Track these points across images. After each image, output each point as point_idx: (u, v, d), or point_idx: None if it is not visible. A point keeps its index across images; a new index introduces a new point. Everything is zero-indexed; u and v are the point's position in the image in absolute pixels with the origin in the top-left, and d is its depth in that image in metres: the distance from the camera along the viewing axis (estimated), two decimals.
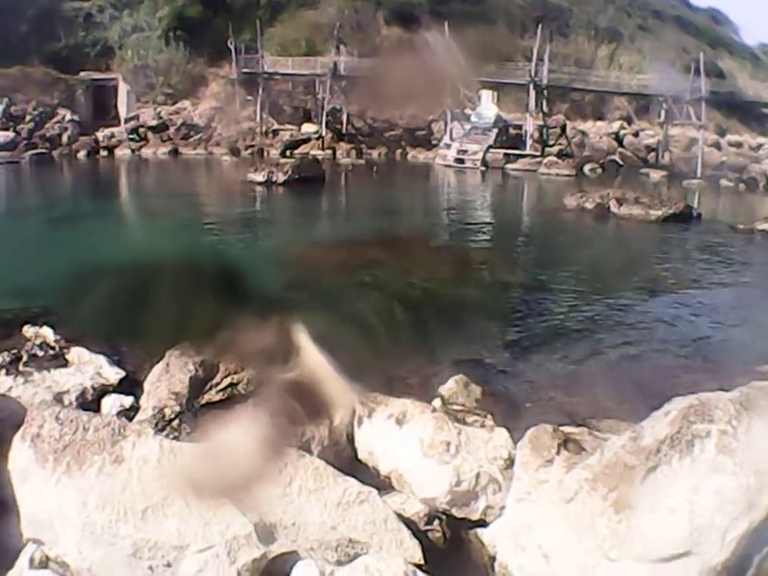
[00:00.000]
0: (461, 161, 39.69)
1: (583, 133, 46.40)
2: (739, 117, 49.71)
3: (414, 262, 15.61)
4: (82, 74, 45.78)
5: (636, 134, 47.41)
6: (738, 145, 47.58)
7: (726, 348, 11.20)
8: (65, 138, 43.01)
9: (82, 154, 41.62)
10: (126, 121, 44.55)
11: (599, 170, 41.71)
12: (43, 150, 41.41)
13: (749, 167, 43.85)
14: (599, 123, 47.96)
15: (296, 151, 40.60)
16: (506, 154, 40.65)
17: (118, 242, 17.40)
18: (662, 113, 44.48)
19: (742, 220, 24.89)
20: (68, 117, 43.74)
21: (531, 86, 41.58)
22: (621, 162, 44.37)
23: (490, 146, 40.52)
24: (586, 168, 41.48)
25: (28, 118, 43.23)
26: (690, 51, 52.07)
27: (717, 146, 46.80)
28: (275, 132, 42.75)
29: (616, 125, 47.73)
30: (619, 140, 46.84)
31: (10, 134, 41.69)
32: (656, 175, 41.28)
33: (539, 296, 13.73)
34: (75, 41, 47.61)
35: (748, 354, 10.53)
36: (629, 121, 48.45)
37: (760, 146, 47.07)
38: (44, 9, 48.06)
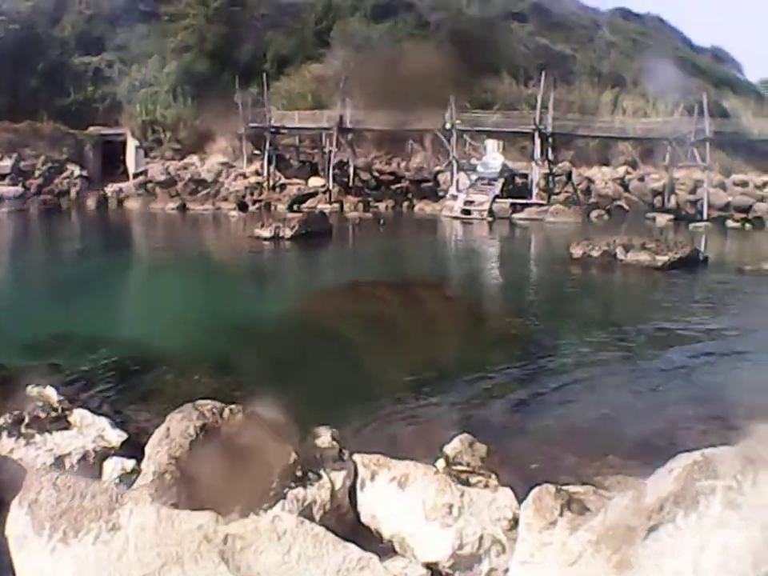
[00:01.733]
0: (468, 212, 39.61)
1: (589, 179, 46.38)
2: (744, 156, 49.67)
3: (420, 317, 15.59)
4: (91, 128, 46.23)
5: (641, 179, 47.22)
6: (744, 184, 47.46)
7: (736, 398, 11.09)
8: (73, 193, 43.52)
9: (91, 206, 42.04)
10: (135, 176, 45.00)
11: (606, 216, 41.82)
12: (52, 206, 41.90)
13: (755, 206, 44.05)
14: (604, 169, 47.91)
15: (303, 205, 40.72)
16: (512, 204, 40.56)
17: (126, 305, 17.67)
18: (667, 156, 44.62)
19: (750, 261, 24.83)
20: (77, 172, 44.23)
21: (536, 134, 41.75)
22: (627, 208, 44.43)
23: (497, 196, 40.45)
24: (593, 215, 41.62)
25: (37, 173, 43.77)
26: (693, 92, 52.23)
27: (722, 186, 46.64)
28: (282, 186, 42.97)
29: (621, 170, 47.67)
30: (625, 185, 46.73)
31: (20, 189, 42.37)
32: (662, 219, 41.30)
33: (545, 350, 13.59)
34: (84, 96, 48.11)
35: (759, 401, 10.45)
36: (634, 165, 48.37)
37: (765, 184, 47.02)
38: (53, 63, 48.68)
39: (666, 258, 23.60)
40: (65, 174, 44.28)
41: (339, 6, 51.45)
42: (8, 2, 49.76)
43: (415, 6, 52.47)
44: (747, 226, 40.57)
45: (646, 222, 40.89)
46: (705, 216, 41.31)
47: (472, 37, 44.12)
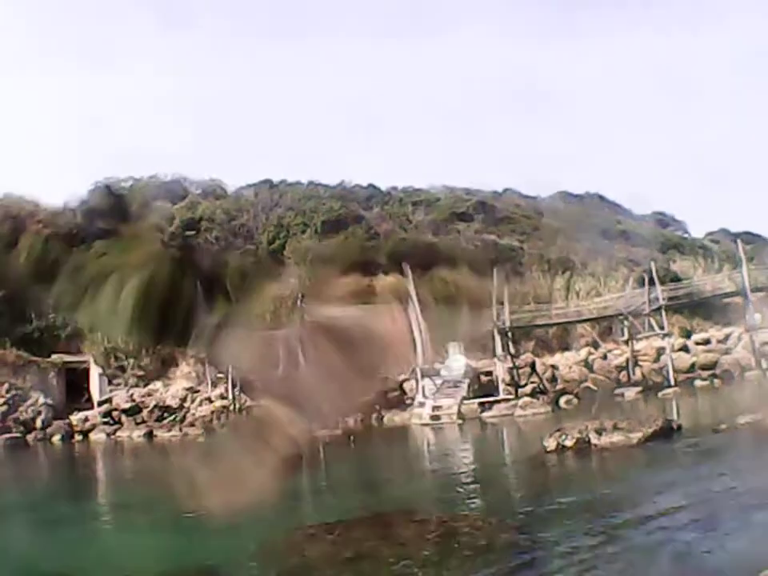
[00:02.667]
0: (437, 417, 39.55)
1: (553, 366, 46.96)
2: (702, 314, 50.71)
3: (397, 544, 15.20)
4: (54, 356, 46.26)
5: (604, 357, 48.01)
6: (706, 342, 48.25)
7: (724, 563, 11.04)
8: (39, 422, 43.09)
9: (56, 439, 41.52)
10: (100, 404, 44.80)
11: (575, 400, 42.05)
12: (17, 434, 41.24)
13: (720, 361, 44.62)
14: (567, 354, 48.66)
15: None
16: (480, 403, 40.79)
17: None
18: (625, 330, 45.43)
19: (723, 418, 25.18)
20: (41, 400, 43.91)
21: (495, 331, 42.47)
22: (595, 388, 44.73)
23: (464, 398, 40.67)
24: (562, 401, 41.84)
25: (1, 400, 43.33)
26: (640, 262, 53.79)
27: (685, 348, 47.44)
28: (249, 408, 42.65)
29: (583, 352, 48.41)
30: (589, 366, 47.37)
31: None
32: (631, 393, 41.88)
33: (532, 558, 13.30)
34: (46, 322, 48.26)
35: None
36: (595, 345, 49.17)
37: (727, 336, 47.75)
38: (13, 290, 49.08)
39: (639, 435, 23.69)
40: (29, 402, 43.98)
41: (290, 225, 53.08)
42: None
43: (364, 217, 54.33)
44: (716, 381, 41.04)
45: (615, 398, 41.23)
46: (672, 382, 41.91)
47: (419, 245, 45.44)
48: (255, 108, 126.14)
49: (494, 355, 42.95)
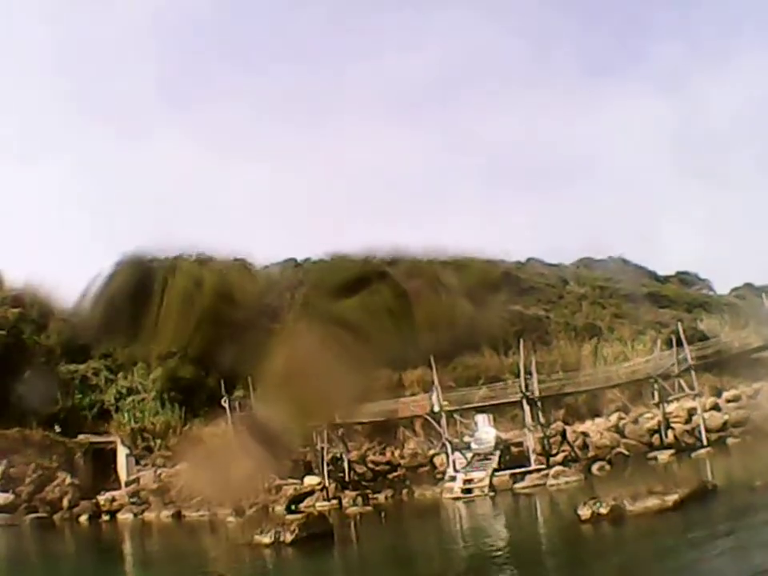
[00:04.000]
0: (468, 491, 38.98)
1: (584, 434, 46.46)
2: (731, 371, 50.20)
3: None
4: (81, 436, 46.24)
5: (635, 421, 47.69)
6: (736, 399, 47.75)
7: None
8: (65, 502, 42.69)
9: (83, 519, 41.17)
10: (127, 484, 44.55)
11: (607, 467, 41.30)
12: (44, 514, 40.95)
13: (751, 417, 43.87)
14: (597, 420, 48.23)
15: (301, 505, 39.96)
16: (512, 475, 40.14)
17: None
18: (655, 393, 44.87)
19: (758, 475, 24.84)
20: (68, 480, 43.68)
21: (524, 401, 42.01)
22: (627, 453, 44.25)
23: (495, 470, 40.05)
24: (594, 468, 41.09)
25: (27, 480, 43.20)
26: (667, 324, 53.45)
27: (716, 407, 46.98)
28: (278, 487, 42.31)
29: (614, 417, 48.02)
30: (620, 431, 46.89)
31: (10, 496, 41.68)
32: (664, 456, 41.20)
33: None
34: (72, 403, 48.46)
35: None
36: (625, 410, 48.82)
37: (757, 392, 47.11)
38: (40, 371, 49.40)
39: (675, 498, 23.27)
40: (56, 482, 43.73)
41: (315, 304, 53.05)
42: None
43: (389, 274, 53.83)
44: (748, 438, 40.29)
45: (648, 462, 40.73)
46: (704, 442, 41.36)
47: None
48: (279, 186, 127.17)
49: (524, 425, 42.37)
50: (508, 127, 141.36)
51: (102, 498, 43.21)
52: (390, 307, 51.07)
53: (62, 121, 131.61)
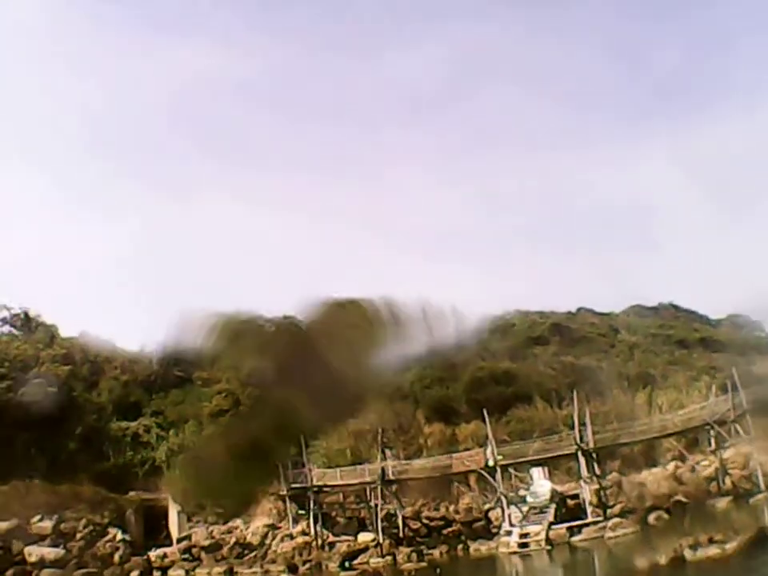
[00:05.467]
0: (525, 545, 38.26)
1: (641, 484, 45.55)
2: None
3: None
4: (132, 493, 46.39)
5: (692, 469, 46.63)
6: None
7: None
8: (116, 558, 42.65)
9: (134, 574, 41.09)
10: (179, 541, 44.47)
11: (665, 516, 40.19)
12: (94, 570, 40.96)
13: None
14: (654, 470, 47.30)
15: (355, 562, 39.59)
16: (568, 528, 39.39)
17: None
18: (712, 440, 43.90)
19: None
20: (119, 536, 43.64)
21: (579, 453, 41.31)
22: (685, 501, 43.00)
23: (551, 523, 39.33)
24: (651, 518, 40.00)
25: (78, 535, 43.25)
26: (721, 368, 52.60)
27: None
28: (331, 544, 41.94)
29: (671, 466, 47.11)
30: (678, 480, 45.76)
31: (60, 551, 41.68)
32: (722, 503, 40.16)
33: None
34: (123, 460, 48.68)
35: None
36: (682, 458, 47.80)
37: None
38: (92, 428, 49.74)
39: (734, 545, 23.19)
40: (107, 538, 43.74)
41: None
42: (46, 366, 51.84)
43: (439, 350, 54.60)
44: None
45: (706, 510, 39.58)
46: (762, 487, 39.88)
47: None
48: (322, 242, 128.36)
49: (580, 477, 41.61)
50: (549, 178, 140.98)
51: (153, 555, 43.23)
52: (440, 377, 52.31)
53: (113, 185, 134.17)
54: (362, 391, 44.57)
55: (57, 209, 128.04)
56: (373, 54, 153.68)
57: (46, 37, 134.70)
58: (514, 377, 51.34)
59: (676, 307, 76.46)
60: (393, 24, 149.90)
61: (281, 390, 43.96)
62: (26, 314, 63.45)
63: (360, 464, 44.90)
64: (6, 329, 63.44)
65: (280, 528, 44.11)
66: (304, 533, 43.13)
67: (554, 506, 40.71)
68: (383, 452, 43.76)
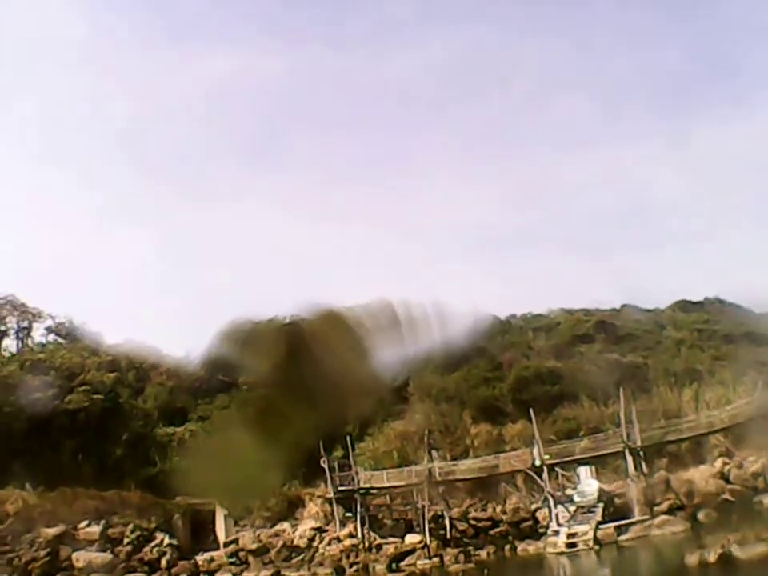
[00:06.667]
0: (572, 545, 37.87)
1: (688, 481, 45.02)
2: None
3: None
4: (178, 498, 46.42)
5: (740, 466, 46.11)
6: None
7: None
8: (164, 562, 42.82)
9: None
10: (226, 545, 44.61)
11: (713, 514, 39.99)
12: (142, 574, 41.22)
13: None
14: (701, 467, 46.72)
15: (402, 563, 39.54)
16: (616, 527, 38.98)
17: None
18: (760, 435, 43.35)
19: None
20: (166, 541, 43.83)
21: (626, 451, 40.89)
22: (732, 499, 42.88)
23: (599, 522, 38.94)
24: (700, 516, 39.93)
25: (126, 540, 43.47)
26: None
27: None
28: (378, 546, 41.84)
29: (718, 463, 46.55)
30: (725, 477, 45.42)
31: (108, 556, 41.94)
32: None
33: None
34: (170, 465, 48.93)
35: None
36: (729, 455, 47.21)
37: None
38: (138, 434, 50.15)
39: None
40: (154, 543, 43.93)
41: (412, 361, 53.43)
42: (92, 373, 52.38)
43: (486, 349, 54.44)
44: None
45: (754, 506, 39.62)
46: None
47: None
48: (354, 244, 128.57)
49: (627, 476, 41.21)
50: (590, 171, 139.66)
51: (200, 559, 43.34)
52: (486, 377, 52.24)
53: (154, 192, 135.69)
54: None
55: (97, 216, 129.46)
56: (381, 54, 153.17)
57: (76, 46, 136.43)
58: (560, 375, 51.24)
59: (722, 302, 75.45)
60: (410, 21, 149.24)
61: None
62: (71, 323, 64.35)
63: (407, 466, 44.83)
64: (52, 337, 64.52)
65: (327, 531, 44.10)
66: (351, 535, 43.07)
67: (601, 505, 40.36)
68: (430, 453, 43.59)
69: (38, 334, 65.13)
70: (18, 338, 65.13)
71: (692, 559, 24.66)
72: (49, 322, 64.31)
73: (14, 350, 62.57)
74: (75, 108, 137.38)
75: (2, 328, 64.04)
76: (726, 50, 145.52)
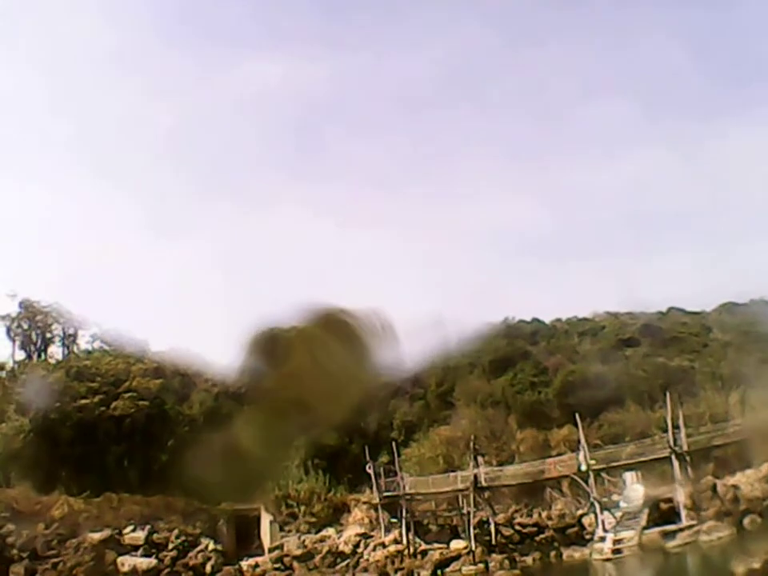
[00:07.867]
0: (619, 551, 37.60)
1: (735, 486, 44.35)
2: None
3: None
4: (224, 504, 46.73)
5: None
6: None
7: None
8: (208, 568, 43.12)
9: None
10: (270, 550, 44.79)
11: (759, 520, 39.33)
12: None
13: None
14: (748, 472, 45.94)
15: (447, 569, 39.61)
16: (662, 532, 38.62)
17: None
18: None
19: None
20: (211, 546, 44.13)
21: (673, 456, 40.50)
22: None
23: (645, 528, 38.63)
24: (746, 521, 39.24)
25: (170, 546, 43.85)
26: None
27: None
28: (424, 552, 41.92)
29: (765, 468, 45.66)
30: None
31: (153, 561, 42.36)
32: None
33: None
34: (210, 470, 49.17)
35: None
36: None
37: None
38: (183, 440, 50.49)
39: None
40: (199, 548, 44.25)
41: (457, 367, 53.50)
42: (137, 380, 52.88)
43: (531, 353, 54.43)
44: None
45: None
46: None
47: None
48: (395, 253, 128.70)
49: (673, 481, 40.78)
50: (630, 173, 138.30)
51: (245, 564, 43.47)
52: (532, 382, 52.52)
53: (195, 200, 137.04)
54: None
55: (140, 225, 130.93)
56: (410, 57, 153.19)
57: (121, 58, 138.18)
58: (606, 380, 50.93)
59: (767, 303, 74.60)
60: (443, 22, 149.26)
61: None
62: (117, 330, 65.08)
63: (452, 471, 44.86)
64: (98, 344, 65.31)
65: (372, 536, 44.22)
66: (396, 541, 43.17)
67: (646, 510, 40.02)
68: (475, 459, 43.41)
69: (84, 342, 66.14)
70: (63, 345, 66.17)
71: (739, 567, 24.32)
72: (95, 330, 65.16)
73: (60, 357, 63.49)
74: (120, 121, 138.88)
75: (48, 335, 65.01)
76: (742, 53, 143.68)
